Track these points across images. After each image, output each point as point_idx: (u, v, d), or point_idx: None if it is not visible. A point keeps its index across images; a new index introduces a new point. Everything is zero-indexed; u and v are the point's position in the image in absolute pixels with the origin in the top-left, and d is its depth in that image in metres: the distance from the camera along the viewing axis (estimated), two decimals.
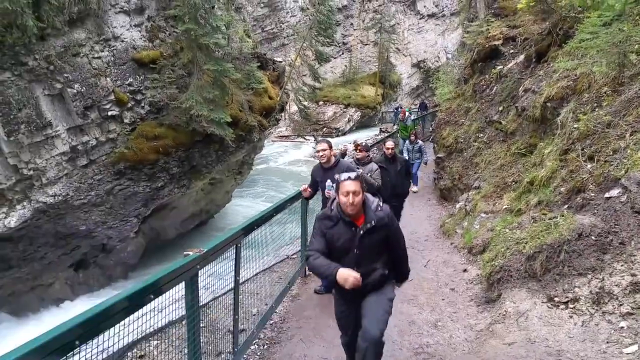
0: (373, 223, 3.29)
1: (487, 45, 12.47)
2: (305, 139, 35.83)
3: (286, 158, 32.17)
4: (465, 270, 7.06)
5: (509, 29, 12.14)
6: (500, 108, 10.66)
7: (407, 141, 14.88)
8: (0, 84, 9.33)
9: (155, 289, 2.64)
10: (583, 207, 5.26)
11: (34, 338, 1.71)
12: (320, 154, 5.74)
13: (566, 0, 8.60)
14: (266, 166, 29.69)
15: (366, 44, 45.04)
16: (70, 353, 1.87)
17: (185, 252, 3.26)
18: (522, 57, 10.78)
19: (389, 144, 8.33)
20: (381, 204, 3.44)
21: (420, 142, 14.24)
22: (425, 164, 14.85)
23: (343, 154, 11.86)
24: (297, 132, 37.09)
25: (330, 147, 5.80)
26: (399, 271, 3.71)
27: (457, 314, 5.69)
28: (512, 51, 11.68)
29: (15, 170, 9.94)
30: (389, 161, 8.12)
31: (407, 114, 18.55)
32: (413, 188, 13.18)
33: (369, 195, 3.52)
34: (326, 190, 5.51)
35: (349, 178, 3.28)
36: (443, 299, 6.22)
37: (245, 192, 23.45)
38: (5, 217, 10.05)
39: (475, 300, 5.94)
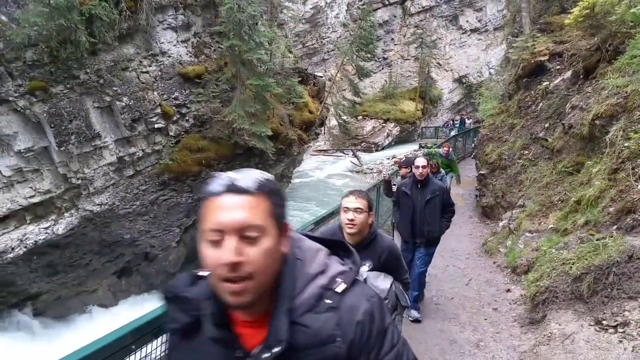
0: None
1: (532, 61, 12.23)
2: (344, 153, 35.87)
3: (324, 172, 32.26)
4: (508, 290, 6.88)
5: (556, 44, 11.88)
6: (546, 125, 10.38)
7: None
8: (54, 97, 9.81)
9: None
10: (634, 229, 5.05)
11: (95, 340, 1.78)
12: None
13: (617, 16, 8.34)
14: (304, 180, 29.84)
15: (407, 59, 44.88)
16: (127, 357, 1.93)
17: None
18: (569, 73, 10.50)
19: (420, 161, 5.95)
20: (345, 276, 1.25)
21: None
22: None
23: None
24: (336, 147, 37.19)
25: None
26: None
27: (500, 335, 5.55)
28: (558, 67, 11.40)
29: (64, 179, 10.38)
30: (416, 185, 5.94)
31: (450, 150, 14.19)
32: None
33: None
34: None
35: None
36: (485, 319, 6.07)
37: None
38: (54, 225, 10.48)
39: (518, 321, 5.77)
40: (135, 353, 1.97)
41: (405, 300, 3.02)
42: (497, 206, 11.29)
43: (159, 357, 2.14)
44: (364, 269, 2.72)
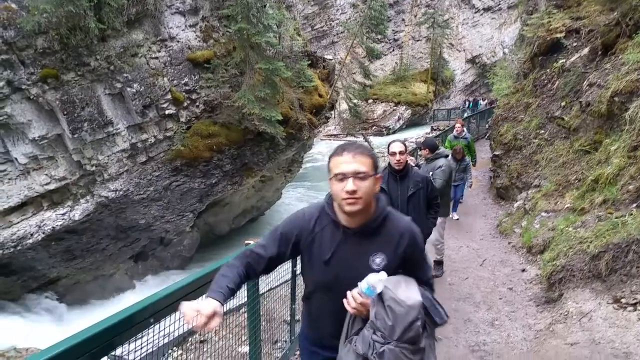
0: None
1: (548, 38, 11.96)
2: (354, 137, 35.74)
3: None
4: (523, 270, 6.85)
5: (572, 20, 11.59)
6: (563, 103, 10.20)
7: (451, 160, 9.95)
8: (65, 84, 9.86)
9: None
10: None
11: (116, 313, 1.81)
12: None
13: None
14: (315, 164, 29.83)
15: (418, 40, 44.33)
16: (145, 330, 1.96)
17: (246, 242, 3.32)
18: (586, 49, 10.26)
19: (397, 146, 4.65)
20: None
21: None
22: (470, 186, 11.24)
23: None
24: (346, 131, 37.03)
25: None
26: None
27: (515, 313, 5.53)
28: (575, 44, 11.14)
29: (79, 166, 10.48)
30: (393, 177, 4.77)
31: (464, 129, 12.28)
32: (454, 216, 10.49)
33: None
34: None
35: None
36: (500, 298, 6.06)
37: (295, 190, 23.67)
38: (70, 211, 10.61)
39: (534, 300, 5.74)
40: (153, 326, 2.00)
41: (439, 315, 2.03)
42: (512, 187, 11.17)
43: (175, 330, 2.17)
44: (377, 278, 1.82)
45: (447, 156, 6.69)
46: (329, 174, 1.91)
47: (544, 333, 4.73)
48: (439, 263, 7.00)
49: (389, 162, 4.74)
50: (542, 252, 6.78)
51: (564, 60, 11.10)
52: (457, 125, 11.96)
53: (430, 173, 5.97)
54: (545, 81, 11.71)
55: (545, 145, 10.16)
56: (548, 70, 11.80)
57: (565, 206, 7.56)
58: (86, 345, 1.57)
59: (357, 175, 1.82)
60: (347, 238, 1.96)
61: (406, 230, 1.99)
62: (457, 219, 10.57)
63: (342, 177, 1.84)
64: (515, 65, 16.00)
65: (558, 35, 11.68)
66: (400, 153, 4.57)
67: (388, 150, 4.69)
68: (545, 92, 11.50)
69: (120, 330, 1.74)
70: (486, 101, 35.36)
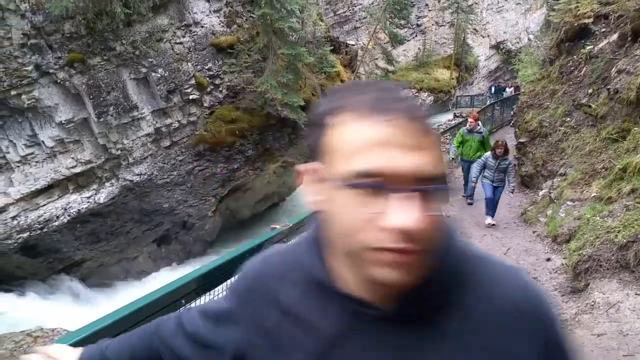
0: None
1: (575, 24, 11.67)
2: None
3: None
4: (548, 259, 6.76)
5: (601, 5, 11.27)
6: (590, 90, 9.97)
7: (489, 154, 9.10)
8: (91, 68, 10.01)
9: (247, 258, 2.75)
10: None
11: (149, 293, 1.84)
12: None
13: None
14: None
15: (441, 25, 43.60)
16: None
17: (272, 226, 3.34)
18: (615, 35, 9.98)
19: None
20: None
21: (510, 158, 9.23)
22: (512, 192, 9.44)
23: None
24: None
25: None
26: None
27: None
28: (603, 30, 10.84)
29: (104, 150, 10.67)
30: None
31: (479, 122, 10.83)
32: (488, 220, 9.00)
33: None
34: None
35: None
36: None
37: None
38: (95, 194, 10.83)
39: (559, 290, 5.67)
40: (184, 307, 2.03)
41: None
42: (537, 175, 11.01)
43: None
44: None
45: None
46: (330, 169, 0.67)
47: (570, 323, 4.68)
48: None
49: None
50: (567, 241, 6.68)
51: (592, 46, 10.83)
52: (470, 119, 10.60)
53: None
54: (572, 68, 11.45)
55: (572, 133, 9.97)
56: (575, 56, 11.53)
57: (592, 195, 7.43)
58: (124, 322, 1.60)
59: (421, 186, 0.62)
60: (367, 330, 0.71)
61: (528, 299, 0.73)
62: (493, 224, 8.91)
63: (380, 185, 0.62)
64: (541, 51, 15.67)
65: (586, 21, 11.39)
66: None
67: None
68: (571, 79, 11.25)
69: (151, 312, 1.78)
70: (512, 88, 34.67)
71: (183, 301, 1.99)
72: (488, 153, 9.10)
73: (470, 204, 10.63)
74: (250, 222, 16.08)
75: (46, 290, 11.75)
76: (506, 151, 8.82)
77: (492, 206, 9.06)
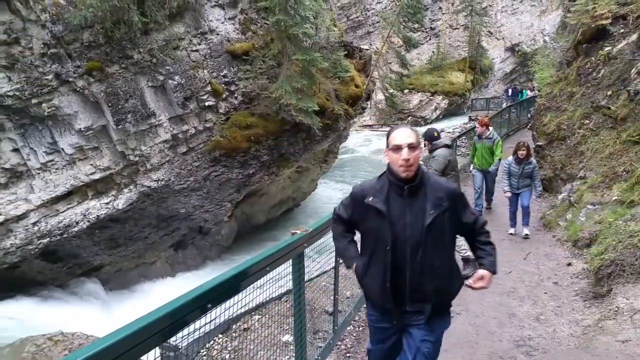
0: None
1: (593, 25, 11.53)
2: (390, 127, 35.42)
3: (370, 147, 32.02)
4: (569, 264, 6.69)
5: (619, 6, 11.13)
6: (609, 92, 9.85)
7: (511, 159, 8.53)
8: (110, 76, 10.17)
9: (269, 263, 2.84)
10: None
11: (177, 298, 1.89)
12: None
13: None
14: (351, 155, 29.77)
15: (455, 28, 43.41)
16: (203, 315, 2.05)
17: (292, 231, 3.38)
18: (634, 36, 9.86)
19: (403, 135, 2.59)
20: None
21: (534, 161, 8.65)
22: (538, 197, 8.70)
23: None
24: (381, 121, 36.74)
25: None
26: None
27: (561, 309, 5.42)
28: (622, 30, 10.70)
29: (122, 157, 10.81)
30: (398, 191, 2.61)
31: (488, 128, 10.15)
32: (525, 230, 8.52)
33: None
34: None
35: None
36: (545, 293, 5.95)
37: (330, 181, 23.71)
38: (114, 200, 10.97)
39: (581, 295, 5.61)
40: (210, 311, 2.08)
41: None
42: (556, 178, 10.90)
43: (234, 314, 2.26)
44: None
45: (447, 145, 6.20)
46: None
47: (593, 329, 4.62)
48: (467, 261, 6.33)
49: (389, 167, 2.63)
50: (588, 245, 6.61)
51: (610, 47, 10.70)
52: (477, 125, 10.11)
53: (428, 167, 5.72)
54: (590, 69, 11.32)
55: (591, 135, 9.86)
56: (593, 58, 11.40)
57: (613, 198, 7.34)
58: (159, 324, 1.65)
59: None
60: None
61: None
62: (527, 236, 8.44)
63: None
64: (558, 53, 15.52)
65: (604, 22, 11.25)
66: (411, 147, 2.50)
67: (388, 143, 2.61)
68: (590, 80, 11.11)
69: (191, 309, 1.84)
70: (534, 91, 34.26)
71: (209, 305, 2.03)
72: (510, 158, 8.59)
73: (489, 208, 10.53)
74: (265, 227, 16.15)
75: (66, 295, 11.91)
76: (529, 154, 8.38)
77: (514, 218, 8.75)
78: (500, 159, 9.79)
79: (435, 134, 6.32)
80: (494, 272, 2.73)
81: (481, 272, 2.71)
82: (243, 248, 14.83)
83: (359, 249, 2.80)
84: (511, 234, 8.66)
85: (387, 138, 2.62)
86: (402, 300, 2.62)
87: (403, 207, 2.54)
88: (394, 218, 2.50)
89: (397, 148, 2.51)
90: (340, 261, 4.08)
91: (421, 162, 2.76)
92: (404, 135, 2.54)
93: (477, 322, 5.11)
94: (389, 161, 2.60)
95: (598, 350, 4.10)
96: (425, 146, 6.21)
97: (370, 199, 2.59)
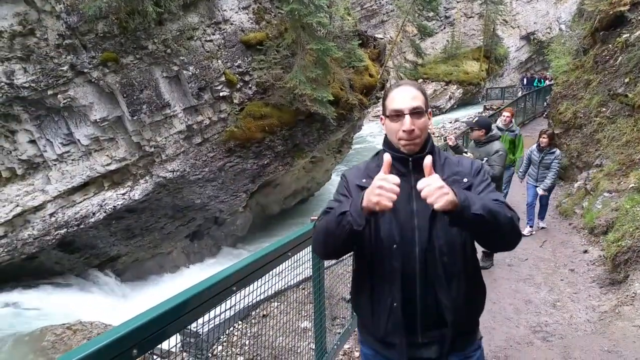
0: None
1: (611, 12, 11.30)
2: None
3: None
4: (585, 251, 6.65)
5: None
6: (627, 80, 9.67)
7: (534, 147, 8.04)
8: (125, 67, 10.19)
9: (291, 247, 2.84)
10: None
11: (202, 281, 1.87)
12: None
13: None
14: (365, 145, 29.63)
15: (470, 17, 42.85)
16: (228, 298, 2.04)
17: (312, 217, 3.37)
18: None
19: (405, 95, 1.81)
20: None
21: (557, 150, 7.86)
22: (545, 190, 7.79)
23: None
24: None
25: None
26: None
27: (578, 295, 5.42)
28: None
29: (138, 148, 10.87)
30: (402, 168, 1.82)
31: (513, 120, 9.09)
32: (540, 224, 8.27)
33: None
34: None
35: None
36: (562, 280, 5.93)
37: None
38: (130, 191, 11.05)
39: (597, 282, 5.58)
40: (235, 294, 2.08)
41: None
42: (572, 166, 10.77)
43: (257, 298, 2.25)
44: None
45: (499, 138, 5.77)
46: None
47: (610, 315, 4.59)
48: (488, 255, 6.16)
49: (386, 140, 1.94)
50: (605, 233, 6.56)
51: (628, 34, 10.50)
52: (506, 113, 8.90)
53: (485, 159, 5.12)
54: (607, 57, 11.13)
55: (607, 123, 9.74)
56: (610, 45, 11.20)
57: (630, 186, 7.25)
58: (177, 311, 1.63)
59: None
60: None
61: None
62: (544, 227, 8.21)
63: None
64: (574, 41, 15.24)
65: (622, 9, 11.03)
66: (416, 112, 1.78)
67: (384, 107, 1.87)
68: (607, 68, 10.94)
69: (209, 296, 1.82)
70: (552, 81, 33.71)
71: (234, 288, 2.02)
72: (533, 146, 8.02)
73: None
74: (280, 218, 16.18)
75: (84, 285, 12.08)
76: (551, 142, 7.65)
77: (533, 213, 8.08)
78: (522, 158, 8.73)
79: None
80: (462, 203, 1.51)
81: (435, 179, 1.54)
82: (257, 238, 14.89)
83: (353, 257, 1.99)
84: (526, 235, 7.75)
85: (384, 100, 1.85)
86: (412, 327, 1.79)
87: (408, 189, 1.72)
88: (397, 204, 1.55)
89: (397, 114, 1.75)
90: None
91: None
92: (405, 96, 1.76)
93: (494, 309, 5.08)
94: (386, 131, 1.85)
95: (615, 336, 4.07)
96: (474, 134, 5.60)
97: (364, 180, 1.82)
